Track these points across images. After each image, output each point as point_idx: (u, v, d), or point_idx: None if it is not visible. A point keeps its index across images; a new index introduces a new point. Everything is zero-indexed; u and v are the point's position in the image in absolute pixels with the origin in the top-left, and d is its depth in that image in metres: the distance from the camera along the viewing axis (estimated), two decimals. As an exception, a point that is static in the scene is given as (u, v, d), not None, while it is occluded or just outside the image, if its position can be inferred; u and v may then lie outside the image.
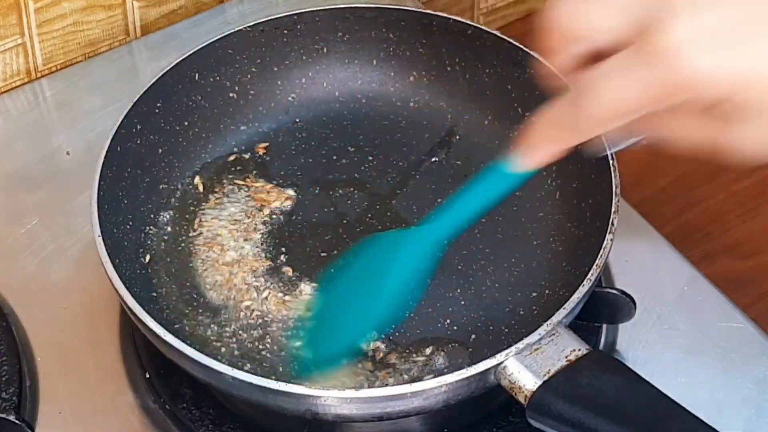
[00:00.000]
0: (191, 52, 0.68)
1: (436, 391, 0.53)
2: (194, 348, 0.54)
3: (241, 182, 0.69)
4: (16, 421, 0.58)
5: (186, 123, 0.69)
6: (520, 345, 0.54)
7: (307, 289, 0.63)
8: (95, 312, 0.65)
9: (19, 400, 0.59)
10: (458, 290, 0.63)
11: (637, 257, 0.67)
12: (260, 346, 0.60)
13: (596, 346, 0.62)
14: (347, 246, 0.65)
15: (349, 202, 0.68)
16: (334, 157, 0.70)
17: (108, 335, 0.64)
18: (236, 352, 0.60)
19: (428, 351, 0.60)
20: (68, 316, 0.65)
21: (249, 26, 0.70)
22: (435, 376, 0.53)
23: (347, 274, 0.58)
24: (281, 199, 0.68)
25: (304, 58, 0.72)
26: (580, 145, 0.48)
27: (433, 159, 0.70)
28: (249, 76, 0.71)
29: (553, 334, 0.54)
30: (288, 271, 0.64)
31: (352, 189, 0.68)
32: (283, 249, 0.65)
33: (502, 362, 0.53)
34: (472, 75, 0.70)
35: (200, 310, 0.62)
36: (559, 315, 0.55)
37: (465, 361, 0.59)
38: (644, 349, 0.63)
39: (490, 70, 0.69)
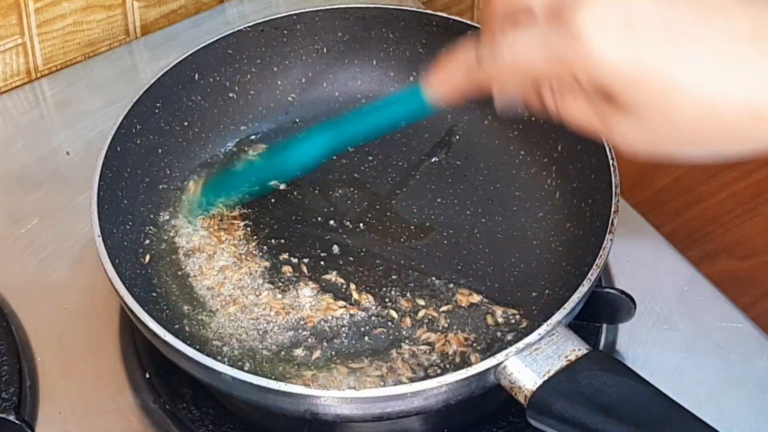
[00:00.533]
0: (191, 52, 0.68)
1: (436, 391, 0.53)
2: (194, 348, 0.54)
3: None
4: (16, 421, 0.58)
5: (186, 123, 0.69)
6: (520, 345, 0.54)
7: (306, 289, 0.63)
8: (95, 312, 0.65)
9: (19, 400, 0.59)
10: (458, 290, 0.63)
11: (637, 257, 0.67)
12: (260, 346, 0.60)
13: (596, 346, 0.62)
14: (346, 244, 0.65)
15: (348, 202, 0.68)
16: (334, 157, 0.70)
17: (108, 335, 0.64)
18: (236, 352, 0.60)
19: (429, 350, 0.60)
20: (68, 316, 0.65)
21: (249, 26, 0.70)
22: (435, 376, 0.53)
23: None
24: (280, 199, 0.68)
25: (303, 58, 0.72)
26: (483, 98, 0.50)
27: (433, 159, 0.70)
28: (249, 76, 0.71)
29: (553, 334, 0.54)
30: (287, 271, 0.64)
31: (351, 189, 0.68)
32: (282, 249, 0.65)
33: (502, 362, 0.53)
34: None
35: (200, 310, 0.62)
36: (559, 315, 0.55)
37: (465, 360, 0.59)
38: (644, 349, 0.63)
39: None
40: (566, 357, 0.54)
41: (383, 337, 0.61)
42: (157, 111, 0.67)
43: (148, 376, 0.61)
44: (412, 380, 0.58)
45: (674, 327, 0.64)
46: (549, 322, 0.54)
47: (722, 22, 0.44)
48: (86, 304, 0.65)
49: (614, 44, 0.44)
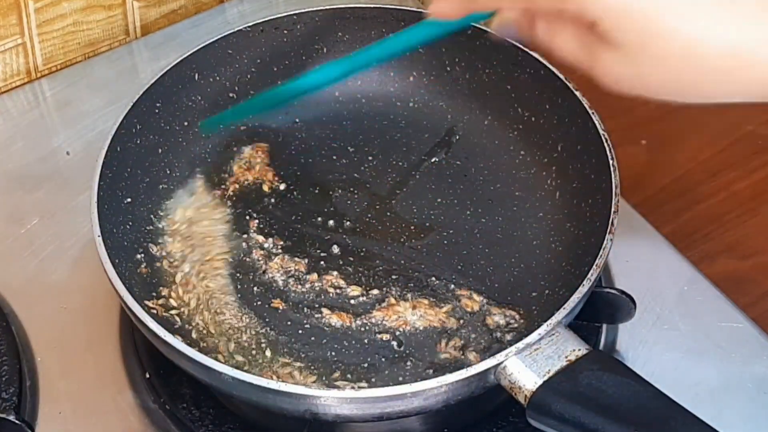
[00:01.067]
0: (191, 52, 0.68)
1: (436, 391, 0.53)
2: (194, 348, 0.54)
3: (241, 182, 0.69)
4: (16, 421, 0.58)
5: (186, 123, 0.69)
6: (520, 345, 0.54)
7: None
8: (95, 312, 0.65)
9: (19, 400, 0.59)
10: (458, 290, 0.63)
11: (637, 257, 0.67)
12: (259, 346, 0.60)
13: (596, 346, 0.62)
14: (346, 244, 0.65)
15: (348, 202, 0.68)
16: (334, 157, 0.70)
17: (108, 335, 0.64)
18: (236, 352, 0.60)
19: (428, 350, 0.60)
20: (68, 316, 0.65)
21: (249, 26, 0.70)
22: (435, 376, 0.53)
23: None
24: (280, 199, 0.68)
25: (303, 58, 0.72)
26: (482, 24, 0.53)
27: (433, 159, 0.70)
28: (249, 76, 0.71)
29: (553, 334, 0.54)
30: (286, 271, 0.64)
31: (351, 189, 0.68)
32: (282, 249, 0.65)
33: (502, 362, 0.53)
34: (471, 75, 0.70)
35: (200, 310, 0.62)
36: (559, 315, 0.55)
37: (465, 360, 0.59)
38: (644, 349, 0.63)
39: (489, 70, 0.69)
40: (566, 357, 0.54)
41: (383, 337, 0.61)
42: (157, 111, 0.67)
43: (148, 376, 0.61)
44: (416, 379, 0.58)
45: (674, 327, 0.64)
46: (549, 322, 0.54)
47: None
48: (86, 304, 0.65)
49: None
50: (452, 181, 0.68)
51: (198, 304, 0.62)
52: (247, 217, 0.67)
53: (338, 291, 0.63)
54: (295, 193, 0.68)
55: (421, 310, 0.62)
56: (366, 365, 0.59)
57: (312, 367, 0.59)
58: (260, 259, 0.64)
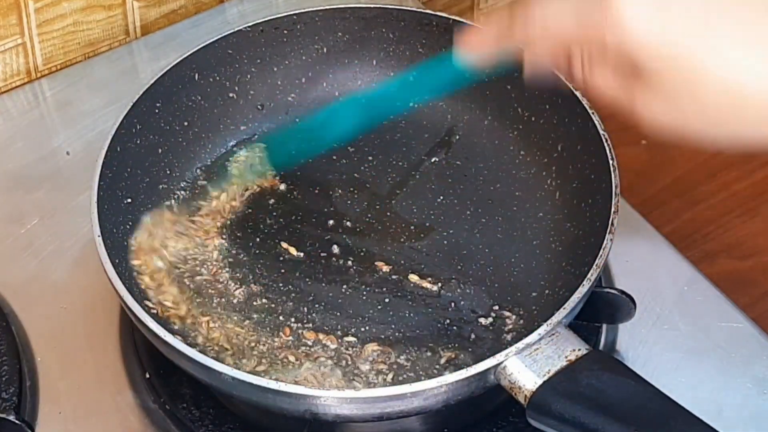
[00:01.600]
0: (191, 52, 0.68)
1: (435, 391, 0.53)
2: (194, 348, 0.54)
3: (240, 182, 0.69)
4: (16, 421, 0.58)
5: (186, 123, 0.69)
6: (520, 345, 0.54)
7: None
8: (95, 312, 0.65)
9: (19, 399, 0.59)
10: (458, 290, 0.63)
11: (637, 257, 0.67)
12: (259, 346, 0.60)
13: (596, 346, 0.62)
14: (346, 244, 0.65)
15: (348, 201, 0.68)
16: (334, 157, 0.70)
17: (108, 335, 0.64)
18: (235, 351, 0.60)
19: (429, 351, 0.60)
20: (68, 316, 0.65)
21: (249, 26, 0.70)
22: (435, 376, 0.53)
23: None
24: (280, 199, 0.68)
25: (303, 58, 0.72)
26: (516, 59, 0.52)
27: (433, 159, 0.70)
28: (249, 76, 0.71)
29: (553, 334, 0.54)
30: (285, 271, 0.64)
31: (351, 189, 0.68)
32: (281, 249, 0.65)
33: (502, 362, 0.53)
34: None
35: (200, 310, 0.62)
36: (559, 315, 0.55)
37: (465, 360, 0.59)
38: (644, 349, 0.63)
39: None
40: (566, 357, 0.54)
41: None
42: (157, 111, 0.67)
43: (148, 376, 0.61)
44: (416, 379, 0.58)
45: (674, 327, 0.64)
46: (549, 322, 0.54)
47: (760, 7, 0.44)
48: (86, 304, 0.65)
49: (647, 18, 0.44)
50: (452, 181, 0.68)
51: (198, 304, 0.62)
52: (247, 217, 0.67)
53: (337, 291, 0.63)
54: (295, 193, 0.68)
55: (421, 310, 0.62)
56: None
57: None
58: (259, 258, 0.65)
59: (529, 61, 0.51)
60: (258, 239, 0.65)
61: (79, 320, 0.65)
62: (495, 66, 0.54)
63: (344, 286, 0.63)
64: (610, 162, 0.61)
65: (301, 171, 0.69)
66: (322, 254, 0.65)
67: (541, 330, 0.54)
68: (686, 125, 0.47)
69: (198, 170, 0.69)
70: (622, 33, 0.45)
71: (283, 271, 0.64)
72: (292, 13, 0.70)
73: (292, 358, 0.59)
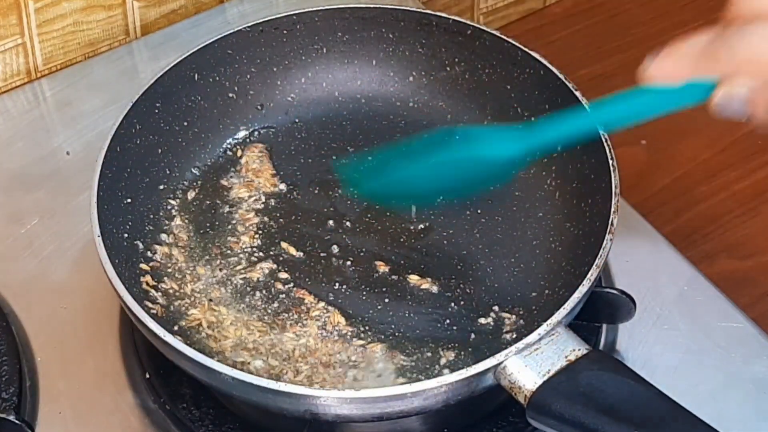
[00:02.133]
0: (191, 52, 0.68)
1: (435, 391, 0.53)
2: (194, 348, 0.54)
3: (240, 183, 0.69)
4: (16, 421, 0.58)
5: (185, 123, 0.69)
6: (520, 345, 0.54)
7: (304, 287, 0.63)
8: (95, 312, 0.65)
9: (19, 400, 0.59)
10: (457, 290, 0.63)
11: (637, 257, 0.67)
12: (258, 345, 0.60)
13: (596, 346, 0.62)
14: (346, 244, 0.65)
15: (348, 202, 0.68)
16: (334, 157, 0.70)
17: (108, 335, 0.64)
18: (234, 351, 0.60)
19: (429, 351, 0.60)
20: (68, 316, 0.65)
21: (248, 26, 0.70)
22: (435, 376, 0.53)
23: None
24: (280, 199, 0.68)
25: (303, 58, 0.72)
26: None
27: (433, 159, 0.70)
28: (248, 77, 0.71)
29: (553, 334, 0.54)
30: (285, 271, 0.64)
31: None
32: (281, 249, 0.65)
33: (502, 362, 0.53)
34: (471, 75, 0.70)
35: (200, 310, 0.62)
36: (559, 315, 0.55)
37: (465, 361, 0.59)
38: (644, 349, 0.63)
39: (489, 70, 0.69)
40: (566, 357, 0.54)
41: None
42: (156, 111, 0.67)
43: (148, 376, 0.61)
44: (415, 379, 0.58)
45: (674, 327, 0.64)
46: (549, 322, 0.54)
47: None
48: (86, 304, 0.65)
49: None
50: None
51: (198, 304, 0.62)
52: (247, 218, 0.67)
53: (337, 291, 0.63)
54: (295, 193, 0.68)
55: (420, 310, 0.62)
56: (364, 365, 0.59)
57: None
58: (260, 259, 0.65)
59: (726, 94, 0.47)
60: (258, 239, 0.66)
61: (79, 320, 0.65)
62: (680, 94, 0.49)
63: (344, 286, 0.63)
64: (610, 162, 0.61)
65: (302, 171, 0.69)
66: (322, 254, 0.65)
67: (541, 330, 0.54)
68: None
69: (198, 170, 0.69)
70: None
71: (283, 270, 0.64)
72: (291, 13, 0.70)
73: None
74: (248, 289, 0.63)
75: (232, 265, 0.64)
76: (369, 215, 0.67)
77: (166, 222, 0.66)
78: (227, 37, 0.69)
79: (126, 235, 0.63)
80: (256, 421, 0.60)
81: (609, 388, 0.52)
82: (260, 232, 0.66)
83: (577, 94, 0.64)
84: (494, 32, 0.69)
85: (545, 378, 0.53)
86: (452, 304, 0.62)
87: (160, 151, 0.67)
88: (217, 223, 0.67)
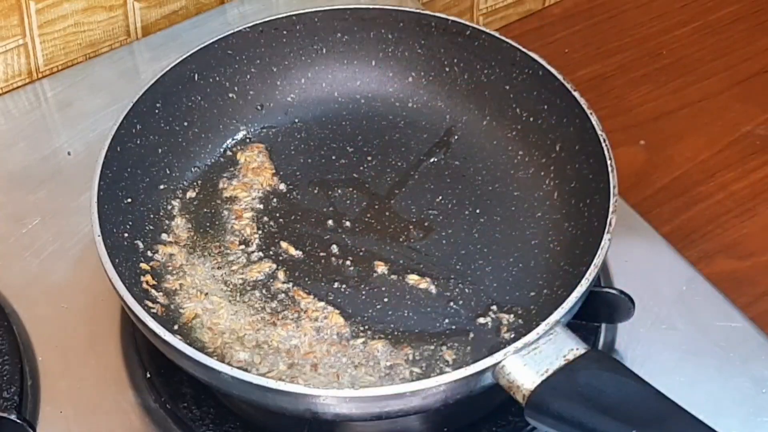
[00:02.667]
0: (191, 52, 0.68)
1: (434, 390, 0.53)
2: (194, 348, 0.55)
3: (239, 183, 0.69)
4: (18, 421, 0.58)
5: (185, 123, 0.69)
6: (519, 344, 0.54)
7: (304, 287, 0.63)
8: (96, 312, 0.65)
9: (20, 399, 0.59)
10: (456, 289, 0.63)
11: (635, 257, 0.67)
12: (258, 345, 0.61)
13: (595, 345, 0.62)
14: (345, 244, 0.65)
15: (347, 201, 0.68)
16: (333, 157, 0.70)
17: (109, 335, 0.64)
18: (235, 350, 0.60)
19: (428, 350, 0.60)
20: (69, 315, 0.65)
21: (248, 27, 0.70)
22: (434, 376, 0.53)
23: None
24: (280, 199, 0.68)
25: (303, 58, 0.72)
26: None
27: (432, 159, 0.70)
28: (248, 77, 0.71)
29: (552, 334, 0.54)
30: (285, 270, 0.64)
31: (350, 189, 0.68)
32: (281, 248, 0.65)
33: (500, 361, 0.54)
34: (470, 75, 0.70)
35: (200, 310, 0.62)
36: (557, 314, 0.55)
37: (464, 360, 0.59)
38: (643, 348, 0.63)
39: (488, 71, 0.70)
40: (564, 356, 0.54)
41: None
42: (157, 111, 0.67)
43: (148, 375, 0.61)
44: (414, 378, 0.58)
45: (673, 327, 0.64)
46: (547, 321, 0.54)
47: None
48: (87, 303, 0.65)
49: None
50: (451, 181, 0.68)
51: (199, 304, 0.62)
52: (247, 217, 0.67)
53: (336, 291, 0.63)
54: (294, 193, 0.68)
55: (419, 309, 0.62)
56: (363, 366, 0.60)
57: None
58: (260, 259, 0.65)
59: None
60: (258, 239, 0.66)
61: (80, 320, 0.65)
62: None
63: (343, 286, 0.63)
64: (609, 162, 0.61)
65: (301, 171, 0.69)
66: (321, 254, 0.65)
67: (540, 329, 0.54)
68: None
69: (198, 170, 0.69)
70: None
71: (282, 269, 0.64)
72: (291, 13, 0.71)
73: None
74: (247, 288, 0.63)
75: (231, 265, 0.64)
76: (368, 215, 0.67)
77: (167, 222, 0.66)
78: (227, 38, 0.69)
79: (126, 234, 0.63)
80: (257, 420, 0.60)
81: (607, 387, 0.52)
82: (260, 231, 0.66)
83: (576, 94, 0.65)
84: (493, 33, 0.69)
85: (544, 377, 0.53)
86: (451, 304, 0.62)
87: (160, 151, 0.67)
88: (216, 222, 0.67)
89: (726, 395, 0.61)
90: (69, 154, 0.74)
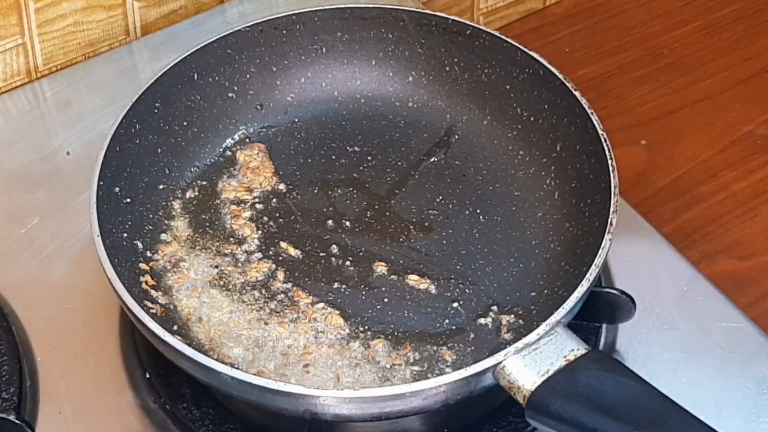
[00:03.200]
0: (190, 52, 0.68)
1: (434, 390, 0.53)
2: (194, 348, 0.54)
3: (239, 183, 0.69)
4: (17, 421, 0.58)
5: (185, 123, 0.69)
6: (519, 344, 0.54)
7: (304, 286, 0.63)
8: (95, 312, 0.65)
9: (19, 399, 0.59)
10: (457, 290, 0.63)
11: (636, 257, 0.67)
12: (258, 345, 0.60)
13: (596, 346, 0.62)
14: (345, 244, 0.65)
15: (347, 201, 0.68)
16: (333, 157, 0.70)
17: (108, 335, 0.64)
18: (234, 350, 0.60)
19: (428, 351, 0.60)
20: (68, 316, 0.65)
21: (248, 26, 0.70)
22: (434, 376, 0.53)
23: None
24: (280, 199, 0.68)
25: (303, 58, 0.72)
26: None
27: (432, 159, 0.70)
28: (248, 76, 0.71)
29: (552, 334, 0.54)
30: (285, 270, 0.64)
31: (351, 189, 0.68)
32: (280, 248, 0.65)
33: (501, 362, 0.54)
34: (470, 75, 0.70)
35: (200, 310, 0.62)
36: (558, 315, 0.55)
37: (464, 360, 0.59)
38: (644, 349, 0.63)
39: (488, 70, 0.69)
40: (565, 357, 0.54)
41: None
42: (156, 111, 0.67)
43: (148, 376, 0.61)
44: (413, 379, 0.58)
45: (674, 327, 0.64)
46: (548, 321, 0.54)
47: None
48: (86, 304, 0.65)
49: None
50: (451, 181, 0.68)
51: (198, 304, 0.62)
52: (246, 217, 0.67)
53: (336, 291, 0.63)
54: (294, 193, 0.68)
55: (420, 310, 0.62)
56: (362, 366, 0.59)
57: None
58: (259, 259, 0.65)
59: None
60: (258, 238, 0.66)
61: (79, 320, 0.65)
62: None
63: (343, 286, 0.63)
64: (609, 162, 0.61)
65: (301, 171, 0.69)
66: (321, 254, 0.65)
67: (540, 330, 0.54)
68: None
69: (197, 170, 0.69)
70: None
71: (282, 269, 0.64)
72: (291, 13, 0.70)
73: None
74: (247, 288, 0.63)
75: (231, 265, 0.64)
76: (368, 215, 0.67)
77: (166, 222, 0.66)
78: (227, 37, 0.69)
79: (125, 234, 0.63)
80: (256, 421, 0.60)
81: (608, 388, 0.52)
82: (259, 231, 0.66)
83: (577, 94, 0.65)
84: (493, 32, 0.69)
85: (544, 378, 0.53)
86: (451, 304, 0.62)
87: (159, 150, 0.67)
88: (216, 222, 0.67)
89: (727, 396, 0.61)
90: (68, 153, 0.74)
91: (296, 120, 0.72)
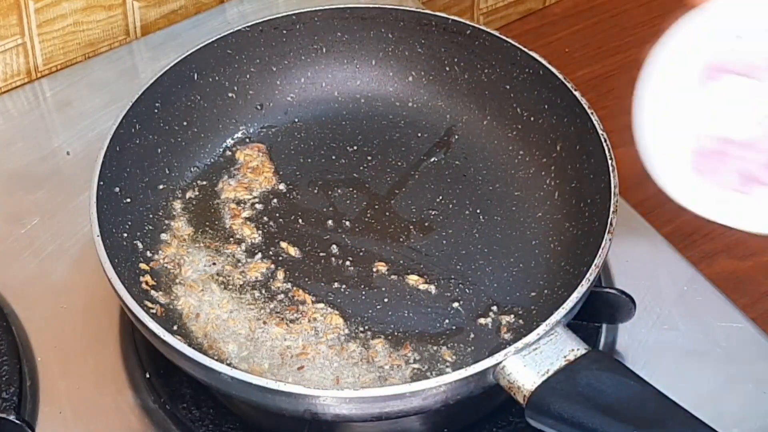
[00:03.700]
0: (190, 52, 0.68)
1: (434, 390, 0.53)
2: (194, 348, 0.54)
3: (239, 182, 0.69)
4: (17, 421, 0.58)
5: (185, 123, 0.69)
6: (519, 345, 0.54)
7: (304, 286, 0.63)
8: (95, 312, 0.65)
9: (19, 399, 0.59)
10: (457, 290, 0.63)
11: (636, 257, 0.67)
12: (258, 344, 0.60)
13: (596, 346, 0.62)
14: (345, 244, 0.65)
15: (347, 201, 0.68)
16: (333, 157, 0.70)
17: (108, 335, 0.64)
18: (235, 351, 0.60)
19: (428, 351, 0.60)
20: (68, 316, 0.65)
21: (248, 26, 0.70)
22: (434, 376, 0.53)
23: None
24: (280, 199, 0.68)
25: (303, 58, 0.72)
26: None
27: (432, 159, 0.70)
28: (248, 76, 0.71)
29: (552, 334, 0.54)
30: (284, 270, 0.64)
31: (351, 189, 0.68)
32: (280, 248, 0.65)
33: (501, 362, 0.54)
34: (470, 75, 0.70)
35: (200, 310, 0.62)
36: (558, 315, 0.55)
37: (464, 360, 0.59)
38: (644, 349, 0.63)
39: (488, 70, 0.69)
40: (565, 357, 0.54)
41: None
42: (156, 111, 0.67)
43: (148, 376, 0.61)
44: (412, 379, 0.58)
45: (674, 327, 0.64)
46: (548, 321, 0.54)
47: None
48: (86, 304, 0.65)
49: None
50: (451, 181, 0.68)
51: (198, 304, 0.62)
52: (246, 217, 0.67)
53: (336, 291, 0.63)
54: (294, 193, 0.68)
55: (420, 310, 0.62)
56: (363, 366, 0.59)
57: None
58: (259, 259, 0.65)
59: None
60: (258, 239, 0.66)
61: (79, 320, 0.65)
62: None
63: (343, 286, 0.63)
64: (609, 162, 0.61)
65: (301, 171, 0.69)
66: (321, 254, 0.65)
67: (540, 330, 0.54)
68: None
69: (197, 170, 0.69)
70: None
71: (282, 269, 0.64)
72: (291, 13, 0.70)
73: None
74: (247, 288, 0.63)
75: (231, 265, 0.64)
76: (368, 215, 0.67)
77: (166, 222, 0.66)
78: (227, 37, 0.69)
79: (125, 234, 0.63)
80: (256, 421, 0.60)
81: (608, 388, 0.52)
82: (259, 231, 0.66)
83: (577, 94, 0.65)
84: (493, 32, 0.69)
85: (544, 378, 0.53)
86: (451, 304, 0.62)
87: (159, 150, 0.67)
88: (216, 222, 0.67)
89: (727, 396, 0.61)
90: (68, 153, 0.74)
91: (296, 120, 0.72)
